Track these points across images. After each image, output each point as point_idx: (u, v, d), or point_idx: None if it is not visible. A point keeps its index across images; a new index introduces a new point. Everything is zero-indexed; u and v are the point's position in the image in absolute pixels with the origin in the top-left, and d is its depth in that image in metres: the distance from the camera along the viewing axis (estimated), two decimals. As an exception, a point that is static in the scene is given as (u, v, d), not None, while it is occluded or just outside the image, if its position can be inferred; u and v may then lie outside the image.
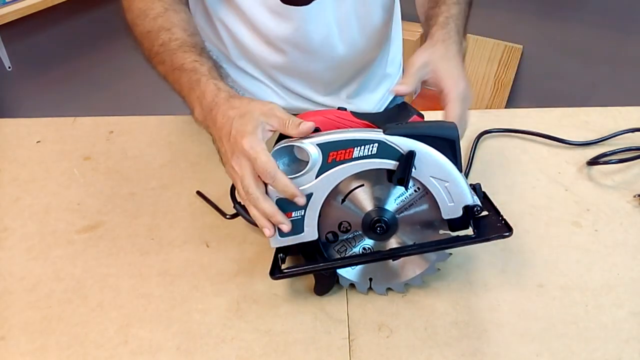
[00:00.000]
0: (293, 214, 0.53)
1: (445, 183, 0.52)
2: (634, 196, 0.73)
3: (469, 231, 0.55)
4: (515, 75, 2.60)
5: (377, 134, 0.51)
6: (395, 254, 0.57)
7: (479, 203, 0.53)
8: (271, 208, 0.52)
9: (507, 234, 0.54)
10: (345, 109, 0.56)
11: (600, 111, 0.91)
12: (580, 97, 2.44)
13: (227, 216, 0.69)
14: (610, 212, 0.71)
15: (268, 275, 0.61)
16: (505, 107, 2.66)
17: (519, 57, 2.55)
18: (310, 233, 0.55)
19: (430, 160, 0.51)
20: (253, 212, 0.53)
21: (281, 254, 0.58)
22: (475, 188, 0.55)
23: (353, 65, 0.87)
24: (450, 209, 0.53)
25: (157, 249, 0.66)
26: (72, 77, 2.03)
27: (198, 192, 0.74)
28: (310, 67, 0.83)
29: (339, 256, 0.58)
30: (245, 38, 0.81)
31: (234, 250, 0.65)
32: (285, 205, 0.53)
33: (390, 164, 0.51)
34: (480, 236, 0.55)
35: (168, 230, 0.68)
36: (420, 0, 0.79)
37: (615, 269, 0.62)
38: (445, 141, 0.52)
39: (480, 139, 0.83)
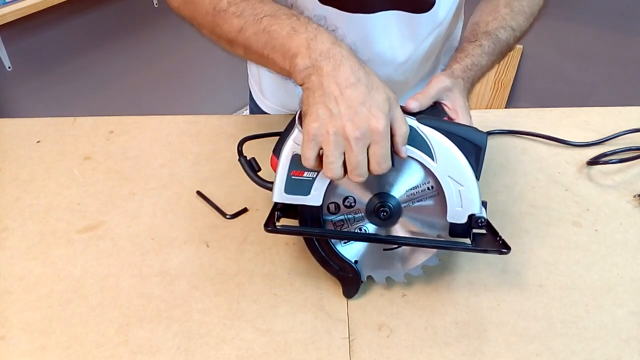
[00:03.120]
0: (305, 174, 0.52)
1: (460, 186, 0.52)
2: (634, 196, 0.73)
3: (467, 242, 0.55)
4: (515, 75, 2.61)
5: (411, 120, 0.51)
6: (395, 240, 0.56)
7: (485, 216, 0.53)
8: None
9: (505, 250, 0.54)
10: None
11: (600, 111, 0.91)
12: (580, 97, 2.44)
13: (227, 216, 0.69)
14: (610, 212, 0.71)
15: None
16: (505, 107, 2.67)
17: (519, 57, 2.55)
18: (315, 198, 0.54)
19: (453, 160, 0.51)
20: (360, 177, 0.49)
21: (278, 212, 0.57)
22: (484, 204, 0.55)
23: (417, 70, 0.84)
24: (457, 214, 0.53)
25: (157, 249, 0.66)
26: (72, 77, 2.03)
27: (198, 192, 0.74)
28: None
29: (334, 229, 0.57)
30: None
31: (234, 250, 0.65)
32: (300, 163, 0.51)
33: (415, 153, 0.51)
34: (479, 247, 0.55)
35: (168, 230, 0.68)
36: (471, 20, 0.77)
37: (615, 269, 0.62)
38: (473, 146, 0.52)
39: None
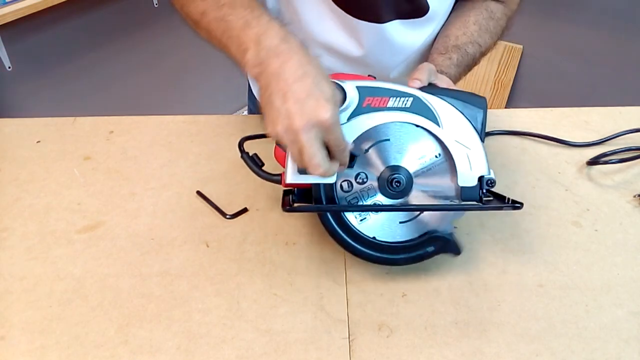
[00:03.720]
0: None
1: (468, 149, 0.54)
2: (634, 196, 0.73)
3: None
4: (515, 75, 2.60)
5: (414, 90, 0.53)
6: (411, 207, 0.57)
7: (493, 177, 0.55)
8: (333, 169, 0.51)
9: (518, 205, 0.56)
10: (374, 77, 0.58)
11: (600, 111, 0.91)
12: (580, 97, 2.44)
13: (227, 216, 0.69)
14: (610, 212, 0.71)
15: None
16: (505, 107, 2.67)
17: (519, 57, 2.55)
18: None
19: (458, 124, 0.53)
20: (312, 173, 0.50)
21: (293, 196, 0.58)
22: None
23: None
24: (467, 177, 0.55)
25: (157, 249, 0.66)
26: (72, 77, 2.03)
27: (198, 192, 0.74)
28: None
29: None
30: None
31: (234, 250, 0.65)
32: None
33: (421, 120, 0.53)
34: (493, 204, 0.57)
35: (168, 230, 0.68)
36: (442, 32, 0.79)
37: (615, 269, 0.62)
38: (475, 110, 0.54)
39: (480, 139, 0.83)
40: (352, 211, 0.58)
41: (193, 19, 0.59)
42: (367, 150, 0.56)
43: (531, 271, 0.62)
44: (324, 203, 0.58)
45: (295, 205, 0.58)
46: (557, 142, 0.83)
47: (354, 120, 0.53)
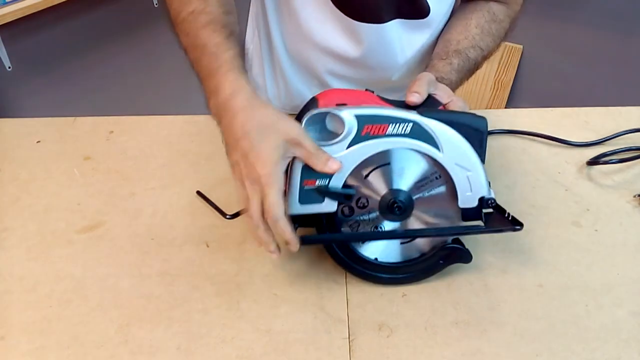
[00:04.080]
0: (316, 182, 0.53)
1: (468, 172, 0.53)
2: (634, 196, 0.73)
3: (480, 224, 0.57)
4: (515, 75, 2.60)
5: (413, 115, 0.52)
6: (412, 234, 0.57)
7: (493, 196, 0.55)
8: (289, 234, 0.52)
9: (518, 227, 0.56)
10: (372, 92, 0.57)
11: (600, 111, 0.91)
12: (580, 97, 2.44)
13: (227, 216, 0.69)
14: (610, 212, 0.71)
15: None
16: (505, 107, 2.66)
17: (519, 57, 2.55)
18: (329, 204, 0.55)
19: (458, 148, 0.53)
20: (256, 233, 0.53)
21: (296, 224, 0.58)
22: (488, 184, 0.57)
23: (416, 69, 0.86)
24: (468, 198, 0.54)
25: (157, 249, 0.66)
26: (72, 77, 2.03)
27: (198, 192, 0.74)
28: (371, 78, 0.84)
29: (350, 231, 0.59)
30: (305, 52, 0.81)
31: (234, 250, 0.65)
32: (311, 172, 0.52)
33: (421, 146, 0.52)
34: (492, 228, 0.56)
35: (168, 230, 0.68)
36: (443, 36, 0.79)
37: (615, 269, 0.62)
38: (475, 132, 0.53)
39: (480, 139, 0.83)
40: (355, 240, 0.59)
41: (182, 48, 0.62)
42: (367, 176, 0.55)
43: (531, 271, 0.62)
44: (326, 228, 0.58)
45: (300, 236, 0.57)
46: (557, 142, 0.83)
47: (354, 148, 0.52)
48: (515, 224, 0.56)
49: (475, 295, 0.59)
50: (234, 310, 0.58)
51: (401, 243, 0.59)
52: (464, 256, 0.59)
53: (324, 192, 0.53)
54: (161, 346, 0.54)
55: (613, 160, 0.77)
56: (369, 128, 0.52)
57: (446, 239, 0.58)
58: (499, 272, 0.62)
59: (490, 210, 0.57)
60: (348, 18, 0.74)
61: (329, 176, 0.53)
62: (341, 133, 0.52)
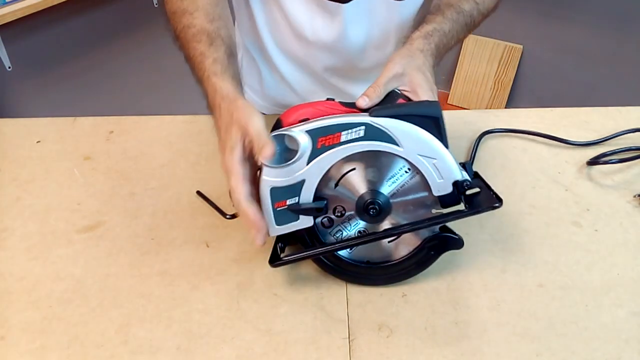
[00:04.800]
0: (287, 202, 0.54)
1: (433, 160, 0.53)
2: (634, 196, 0.73)
3: (462, 207, 0.56)
4: (515, 75, 2.61)
5: (364, 117, 0.53)
6: (390, 233, 0.57)
7: (468, 178, 0.54)
8: (253, 216, 0.53)
9: (496, 204, 0.55)
10: (333, 99, 0.58)
11: (600, 111, 0.91)
12: (580, 97, 2.44)
13: (227, 216, 0.69)
14: (610, 212, 0.71)
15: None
16: (505, 107, 2.67)
17: (519, 57, 2.55)
18: (305, 220, 0.55)
19: (416, 139, 0.52)
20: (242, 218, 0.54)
21: (280, 244, 0.59)
22: (465, 166, 0.56)
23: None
24: (440, 186, 0.54)
25: (157, 249, 0.66)
26: (72, 77, 2.03)
27: (198, 192, 0.74)
28: (352, 66, 0.84)
29: (335, 240, 0.59)
30: (288, 42, 0.83)
31: (234, 250, 0.65)
32: (279, 193, 0.54)
33: (378, 145, 0.52)
34: (472, 209, 0.56)
35: (168, 230, 0.68)
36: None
37: (615, 269, 0.62)
38: (430, 119, 0.53)
39: (481, 139, 0.83)
40: (339, 249, 0.59)
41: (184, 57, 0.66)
42: (336, 185, 0.55)
43: (531, 271, 0.62)
44: (309, 242, 0.58)
45: (283, 256, 0.58)
46: (557, 142, 0.83)
47: (313, 163, 0.53)
48: (495, 201, 0.55)
49: (475, 295, 0.59)
50: (234, 310, 0.58)
51: (389, 242, 0.59)
52: (454, 242, 0.58)
53: (296, 210, 0.55)
54: (161, 346, 0.54)
55: (613, 160, 0.77)
56: (323, 140, 0.52)
57: (433, 229, 0.58)
58: (499, 272, 0.62)
59: (478, 190, 0.57)
60: (333, 2, 0.74)
61: (298, 194, 0.54)
62: (297, 153, 0.53)
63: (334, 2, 0.75)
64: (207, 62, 0.60)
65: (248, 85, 0.96)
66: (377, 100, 0.58)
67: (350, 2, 0.75)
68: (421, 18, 0.73)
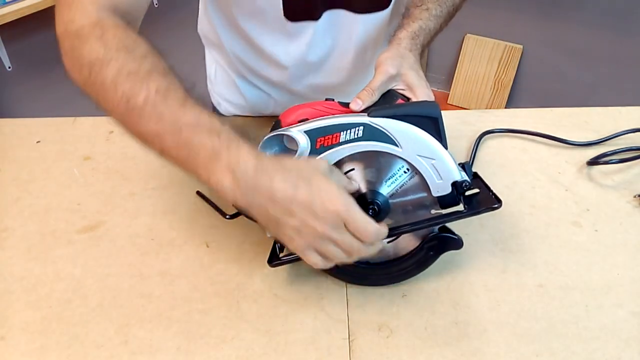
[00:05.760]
0: None
1: (432, 160, 0.53)
2: (634, 196, 0.73)
3: (461, 208, 0.56)
4: (515, 75, 2.61)
5: (362, 118, 0.53)
6: (389, 233, 0.56)
7: (467, 179, 0.54)
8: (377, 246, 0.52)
9: (496, 205, 0.55)
10: (332, 100, 0.58)
11: (600, 111, 0.91)
12: (580, 97, 2.45)
13: (227, 216, 0.69)
14: (610, 212, 0.71)
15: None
16: (505, 107, 2.67)
17: (519, 57, 2.55)
18: None
19: (415, 139, 0.52)
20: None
21: (279, 244, 0.59)
22: (464, 166, 0.56)
23: (361, 71, 0.84)
24: (439, 186, 0.54)
25: (157, 249, 0.66)
26: (72, 77, 2.03)
27: (198, 192, 0.74)
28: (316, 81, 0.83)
29: None
30: (264, 70, 0.82)
31: (234, 250, 0.65)
32: None
33: (377, 145, 0.52)
34: (471, 210, 0.56)
35: (168, 230, 0.68)
36: None
37: (615, 269, 0.62)
38: (429, 119, 0.53)
39: (481, 139, 0.83)
40: None
41: (142, 137, 0.51)
42: None
43: (531, 271, 0.62)
44: None
45: (282, 256, 0.58)
46: (557, 142, 0.83)
47: None
48: (495, 202, 0.55)
49: (475, 295, 0.59)
50: (234, 310, 0.58)
51: (388, 242, 0.59)
52: (453, 243, 0.58)
53: None
54: (161, 346, 0.54)
55: (613, 160, 0.77)
56: (322, 140, 0.53)
57: (432, 229, 0.58)
58: (499, 272, 0.62)
59: (477, 191, 0.57)
60: (292, 23, 0.72)
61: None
62: (296, 153, 0.53)
63: (300, 22, 0.73)
64: (226, 127, 0.49)
65: (224, 99, 0.93)
66: (369, 103, 0.57)
67: (319, 20, 0.73)
68: (404, 10, 0.72)
